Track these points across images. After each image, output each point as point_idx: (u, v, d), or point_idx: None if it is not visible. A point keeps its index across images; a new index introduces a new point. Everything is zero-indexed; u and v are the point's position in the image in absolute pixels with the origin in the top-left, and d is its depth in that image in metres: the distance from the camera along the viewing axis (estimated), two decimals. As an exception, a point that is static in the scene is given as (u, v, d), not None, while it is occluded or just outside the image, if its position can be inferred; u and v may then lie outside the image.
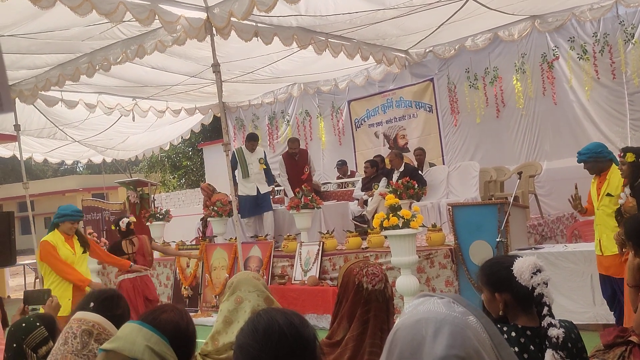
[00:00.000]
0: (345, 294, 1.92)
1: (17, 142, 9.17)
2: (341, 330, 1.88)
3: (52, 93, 9.11)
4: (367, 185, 8.82)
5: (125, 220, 6.32)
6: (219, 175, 12.69)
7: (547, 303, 1.90)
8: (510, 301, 1.98)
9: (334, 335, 1.90)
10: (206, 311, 7.75)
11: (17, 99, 8.60)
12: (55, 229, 4.92)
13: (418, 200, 7.39)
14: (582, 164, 4.72)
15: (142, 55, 6.89)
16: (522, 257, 2.01)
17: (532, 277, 1.91)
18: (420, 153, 8.79)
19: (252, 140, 8.53)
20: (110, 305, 2.14)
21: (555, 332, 1.86)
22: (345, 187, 9.74)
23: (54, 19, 5.88)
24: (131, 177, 14.07)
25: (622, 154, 4.36)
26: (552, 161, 8.52)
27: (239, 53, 7.90)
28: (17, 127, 8.79)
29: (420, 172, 8.42)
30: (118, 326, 1.97)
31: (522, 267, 1.93)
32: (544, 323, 1.89)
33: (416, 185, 7.14)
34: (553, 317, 1.90)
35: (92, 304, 2.09)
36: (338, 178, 10.17)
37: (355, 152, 10.43)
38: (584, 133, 8.18)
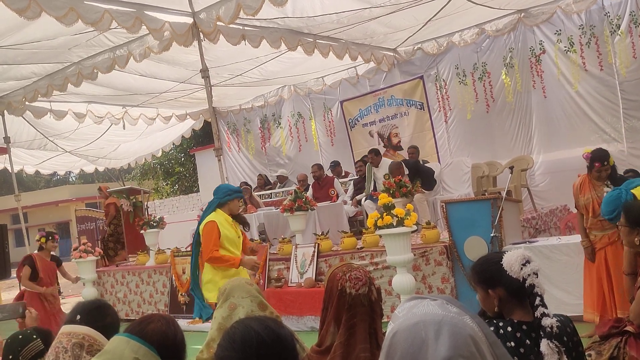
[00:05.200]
0: (330, 300, 1.91)
1: (7, 155, 9.13)
2: (329, 336, 1.87)
3: (41, 104, 9.06)
4: (360, 185, 8.82)
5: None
6: (211, 180, 12.68)
7: (539, 293, 1.91)
8: (504, 296, 1.98)
9: (322, 342, 1.89)
10: (204, 317, 7.71)
11: (5, 111, 8.55)
12: (218, 210, 4.45)
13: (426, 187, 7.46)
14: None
15: (127, 62, 6.87)
16: (509, 251, 2.02)
17: (521, 268, 1.93)
18: (413, 151, 8.81)
19: (371, 154, 8.37)
20: (98, 315, 2.10)
21: (549, 322, 1.87)
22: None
23: (40, 28, 5.85)
24: (124, 186, 14.01)
25: (601, 164, 4.44)
26: (545, 154, 8.57)
27: (228, 56, 7.89)
28: (7, 139, 8.75)
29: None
30: (108, 335, 1.95)
31: (511, 260, 1.95)
32: (537, 313, 1.89)
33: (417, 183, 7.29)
34: (546, 307, 1.91)
35: (78, 317, 2.05)
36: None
37: (352, 152, 10.41)
38: (576, 124, 8.23)
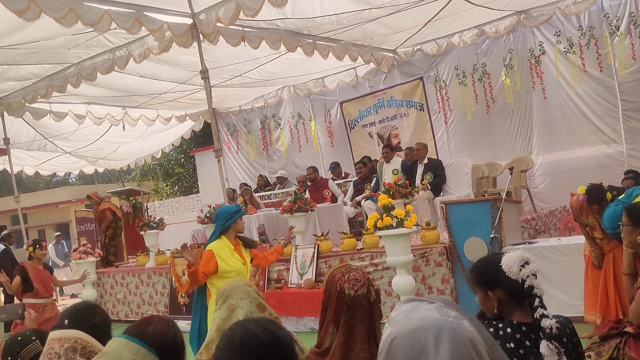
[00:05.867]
0: (329, 301, 1.91)
1: (7, 156, 9.12)
2: (328, 337, 1.87)
3: (41, 105, 9.06)
4: (360, 186, 8.82)
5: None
6: (211, 182, 12.68)
7: (538, 294, 1.91)
8: (504, 297, 1.98)
9: (322, 343, 1.89)
10: (203, 318, 7.70)
11: (5, 112, 8.55)
12: (222, 237, 4.31)
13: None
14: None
15: (127, 63, 6.87)
16: (508, 252, 2.01)
17: (520, 269, 1.92)
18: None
19: (386, 148, 8.39)
20: (86, 315, 2.09)
21: (548, 323, 1.86)
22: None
23: (40, 29, 5.85)
24: (124, 187, 14.02)
25: (599, 205, 4.29)
26: (544, 155, 8.57)
27: (227, 57, 7.89)
28: (6, 140, 8.75)
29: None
30: (99, 335, 1.94)
31: (510, 262, 1.94)
32: (537, 315, 1.89)
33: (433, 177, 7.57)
34: (545, 309, 1.90)
35: (66, 321, 2.03)
36: (332, 180, 10.17)
37: (352, 153, 10.41)
38: (576, 126, 8.24)
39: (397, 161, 8.38)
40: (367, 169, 8.86)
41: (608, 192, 4.34)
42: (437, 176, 7.96)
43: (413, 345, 0.94)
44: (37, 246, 6.32)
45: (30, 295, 6.10)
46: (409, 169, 8.17)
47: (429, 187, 7.80)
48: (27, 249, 6.33)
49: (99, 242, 11.08)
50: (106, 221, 10.58)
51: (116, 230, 10.61)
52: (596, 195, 4.33)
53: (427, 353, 0.93)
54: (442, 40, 9.25)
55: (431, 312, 0.98)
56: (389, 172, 8.14)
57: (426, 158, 8.16)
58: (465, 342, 0.94)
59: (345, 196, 9.07)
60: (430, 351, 0.92)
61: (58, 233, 14.11)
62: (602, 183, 4.50)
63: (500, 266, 1.96)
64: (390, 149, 8.53)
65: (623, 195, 3.90)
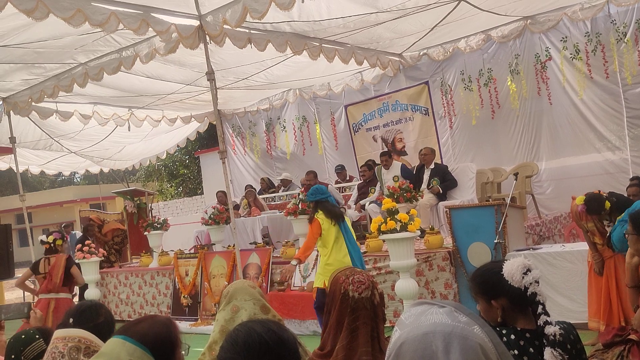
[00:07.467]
0: (332, 303, 1.91)
1: (13, 155, 9.16)
2: (331, 340, 1.86)
3: (47, 104, 9.10)
4: (364, 190, 8.81)
5: (49, 236, 5.90)
6: (215, 183, 12.70)
7: (541, 301, 1.90)
8: (507, 305, 1.97)
9: (324, 345, 1.89)
10: (206, 319, 7.72)
11: (11, 111, 8.59)
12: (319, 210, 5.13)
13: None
14: None
15: (134, 63, 6.90)
16: (509, 260, 2.01)
17: (523, 277, 1.91)
18: (428, 152, 8.80)
19: (384, 156, 8.42)
20: (91, 315, 2.10)
21: (552, 330, 1.86)
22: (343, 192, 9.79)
23: (47, 28, 5.87)
24: (128, 187, 14.05)
25: (598, 215, 4.33)
26: (549, 161, 8.55)
27: (234, 59, 7.90)
28: (12, 139, 8.78)
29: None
30: (104, 334, 1.95)
31: (512, 269, 1.93)
32: (540, 322, 1.88)
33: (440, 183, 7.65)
34: (548, 315, 1.90)
35: (71, 320, 2.04)
36: (336, 183, 10.18)
37: (356, 156, 10.41)
38: (581, 132, 8.22)
39: (396, 167, 8.34)
40: (372, 173, 8.85)
41: (607, 201, 4.32)
42: (447, 181, 7.96)
43: (424, 352, 0.93)
44: (64, 239, 6.07)
45: (66, 289, 5.80)
46: (409, 174, 8.15)
47: (440, 190, 7.80)
48: (54, 242, 5.94)
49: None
50: (108, 240, 10.72)
51: (124, 239, 10.77)
52: (595, 206, 4.32)
53: (437, 359, 0.92)
54: (448, 45, 9.25)
55: (441, 317, 0.97)
56: (389, 179, 8.12)
57: (433, 163, 8.17)
58: (475, 348, 0.93)
59: (350, 199, 9.05)
60: (440, 357, 0.91)
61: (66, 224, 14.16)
62: (600, 191, 4.48)
63: (502, 274, 1.95)
64: (389, 156, 8.48)
65: (623, 214, 3.87)
